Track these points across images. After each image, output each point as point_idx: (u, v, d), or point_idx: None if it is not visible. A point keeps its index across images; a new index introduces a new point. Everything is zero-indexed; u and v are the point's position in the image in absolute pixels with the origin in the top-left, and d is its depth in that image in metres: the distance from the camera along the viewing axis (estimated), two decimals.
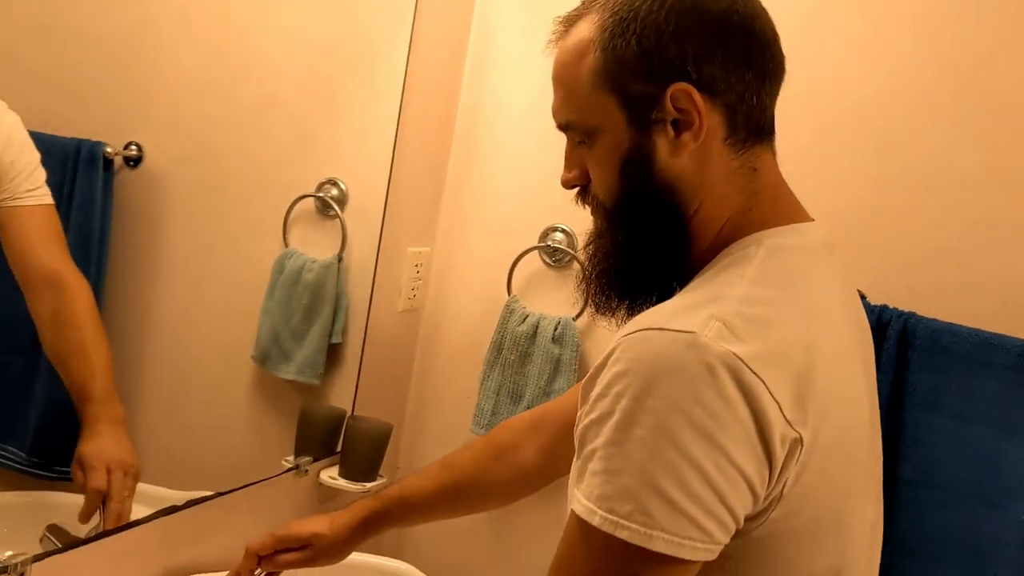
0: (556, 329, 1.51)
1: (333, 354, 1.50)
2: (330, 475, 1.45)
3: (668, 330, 0.65)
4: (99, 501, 1.05)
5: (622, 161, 0.76)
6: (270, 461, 1.39)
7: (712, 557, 0.65)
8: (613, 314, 0.83)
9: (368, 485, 1.44)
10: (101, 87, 1.11)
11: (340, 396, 1.51)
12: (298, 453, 1.43)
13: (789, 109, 1.29)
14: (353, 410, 1.52)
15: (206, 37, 1.25)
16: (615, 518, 0.63)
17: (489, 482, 1.11)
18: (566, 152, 0.82)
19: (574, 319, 1.51)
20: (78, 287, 1.07)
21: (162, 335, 1.25)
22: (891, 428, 1.24)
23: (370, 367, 1.54)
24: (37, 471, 1.07)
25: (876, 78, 1.30)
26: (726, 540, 0.65)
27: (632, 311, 0.81)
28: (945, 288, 1.26)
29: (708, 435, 0.62)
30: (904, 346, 1.23)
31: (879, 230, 1.30)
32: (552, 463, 1.08)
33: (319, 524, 1.10)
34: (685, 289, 0.74)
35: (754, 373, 0.63)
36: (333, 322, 1.48)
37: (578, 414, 0.70)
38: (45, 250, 1.04)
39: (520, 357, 1.53)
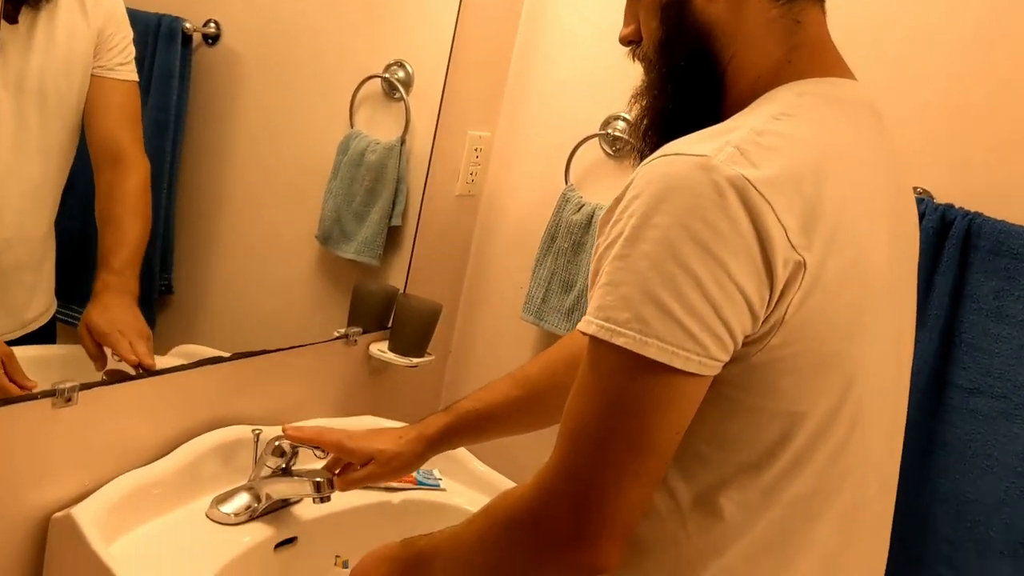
0: None
1: (393, 236, 1.52)
2: (379, 348, 1.48)
3: (683, 154, 0.66)
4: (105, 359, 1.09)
5: (662, 6, 0.78)
6: (324, 331, 1.43)
7: (707, 372, 0.66)
8: None
9: (415, 360, 1.47)
10: None
11: (398, 278, 1.54)
12: (350, 325, 1.46)
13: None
14: (405, 289, 1.54)
15: None
16: (612, 326, 0.65)
17: (560, 390, 1.10)
18: (625, 9, 0.85)
19: None
20: (137, 165, 1.12)
21: (231, 210, 1.29)
22: (948, 332, 1.20)
23: (424, 248, 1.55)
24: None
25: None
26: (723, 357, 0.66)
27: None
28: (1018, 192, 1.19)
29: (709, 250, 0.63)
30: (967, 247, 1.18)
31: (956, 128, 1.23)
32: None
33: (385, 441, 1.10)
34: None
35: (761, 195, 0.64)
36: (393, 205, 1.50)
37: (594, 248, 0.72)
38: (119, 124, 1.09)
39: (573, 246, 1.52)
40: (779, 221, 0.64)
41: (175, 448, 1.14)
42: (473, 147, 1.61)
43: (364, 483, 1.11)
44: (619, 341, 0.64)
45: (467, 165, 1.61)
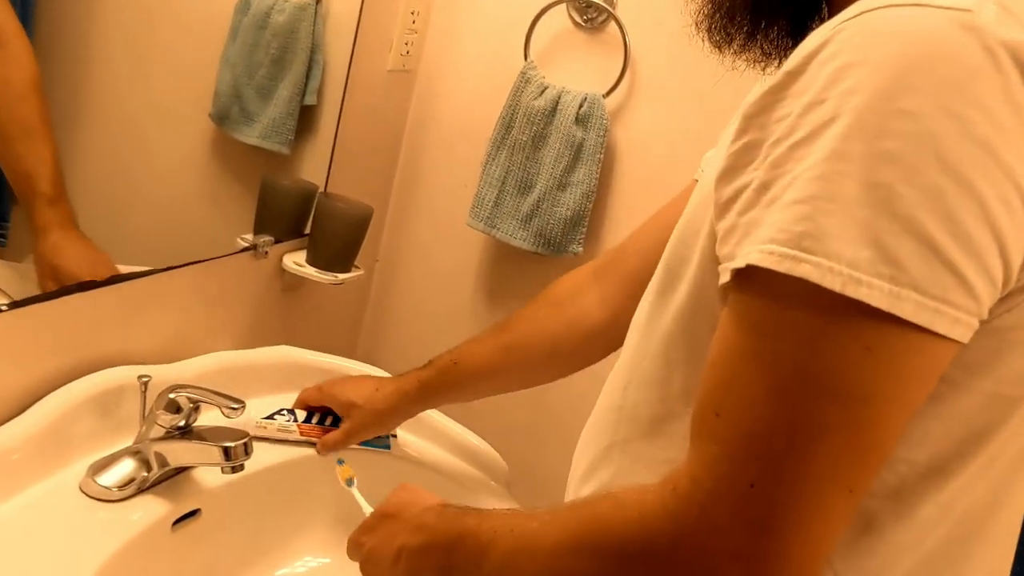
0: (581, 107, 1.30)
1: (306, 118, 1.32)
2: (295, 260, 1.27)
3: (929, 6, 0.46)
4: None
5: None
6: (224, 240, 1.23)
7: (966, 339, 0.47)
8: (731, 42, 0.65)
9: (341, 276, 1.27)
10: None
11: (313, 170, 1.34)
12: (258, 232, 1.26)
13: None
14: (326, 187, 1.34)
15: None
16: (842, 268, 0.45)
17: (547, 340, 0.97)
18: None
19: (604, 96, 1.30)
20: (25, 50, 0.90)
21: (102, 82, 1.06)
22: None
23: (348, 136, 1.34)
24: None
25: None
26: (986, 312, 0.48)
27: (752, 40, 0.64)
28: None
29: (992, 151, 0.44)
30: None
31: None
32: (617, 317, 0.90)
33: (362, 391, 1.06)
34: None
35: None
36: (307, 79, 1.30)
37: (735, 151, 0.52)
38: None
39: (533, 139, 1.33)
40: None
41: (35, 401, 0.93)
42: (409, 10, 1.39)
43: (345, 444, 1.06)
44: (860, 293, 0.44)
45: (401, 33, 1.39)
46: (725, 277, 0.51)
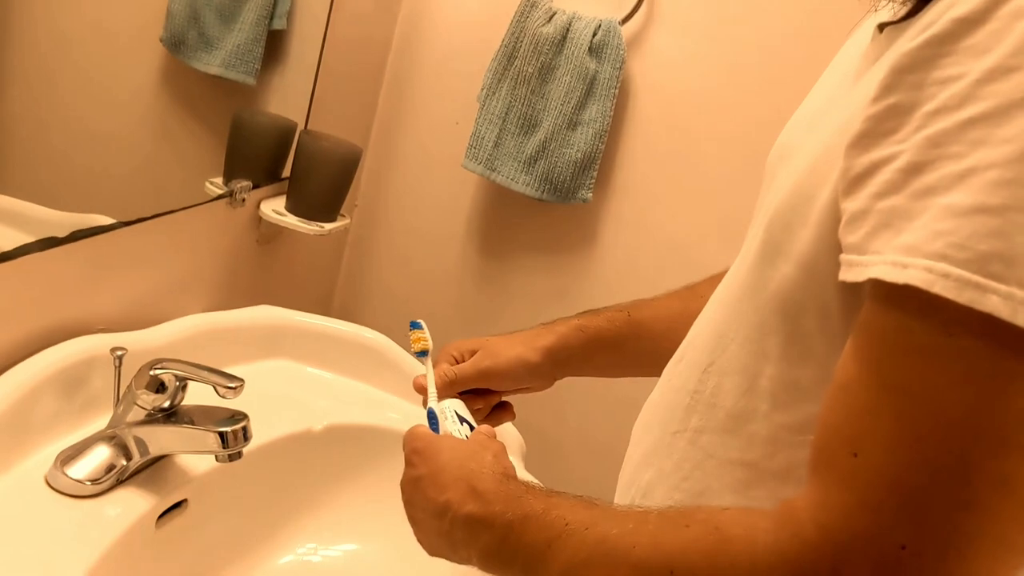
0: (595, 35, 1.19)
1: (274, 44, 1.18)
2: (274, 208, 1.14)
3: None
4: None
5: None
6: (186, 186, 1.09)
7: None
8: None
9: (326, 226, 1.14)
10: None
11: (282, 103, 1.20)
12: (228, 176, 1.12)
13: None
14: (307, 124, 1.20)
15: None
16: None
17: None
18: None
19: (621, 23, 1.19)
20: None
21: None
22: None
23: (330, 66, 1.21)
24: None
25: None
26: None
27: None
28: None
29: None
30: None
31: None
32: None
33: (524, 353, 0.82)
34: None
35: None
36: (275, 0, 1.16)
37: (875, 113, 0.43)
38: None
39: (540, 71, 1.21)
40: None
41: None
42: None
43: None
44: None
45: None
46: (853, 276, 0.43)
